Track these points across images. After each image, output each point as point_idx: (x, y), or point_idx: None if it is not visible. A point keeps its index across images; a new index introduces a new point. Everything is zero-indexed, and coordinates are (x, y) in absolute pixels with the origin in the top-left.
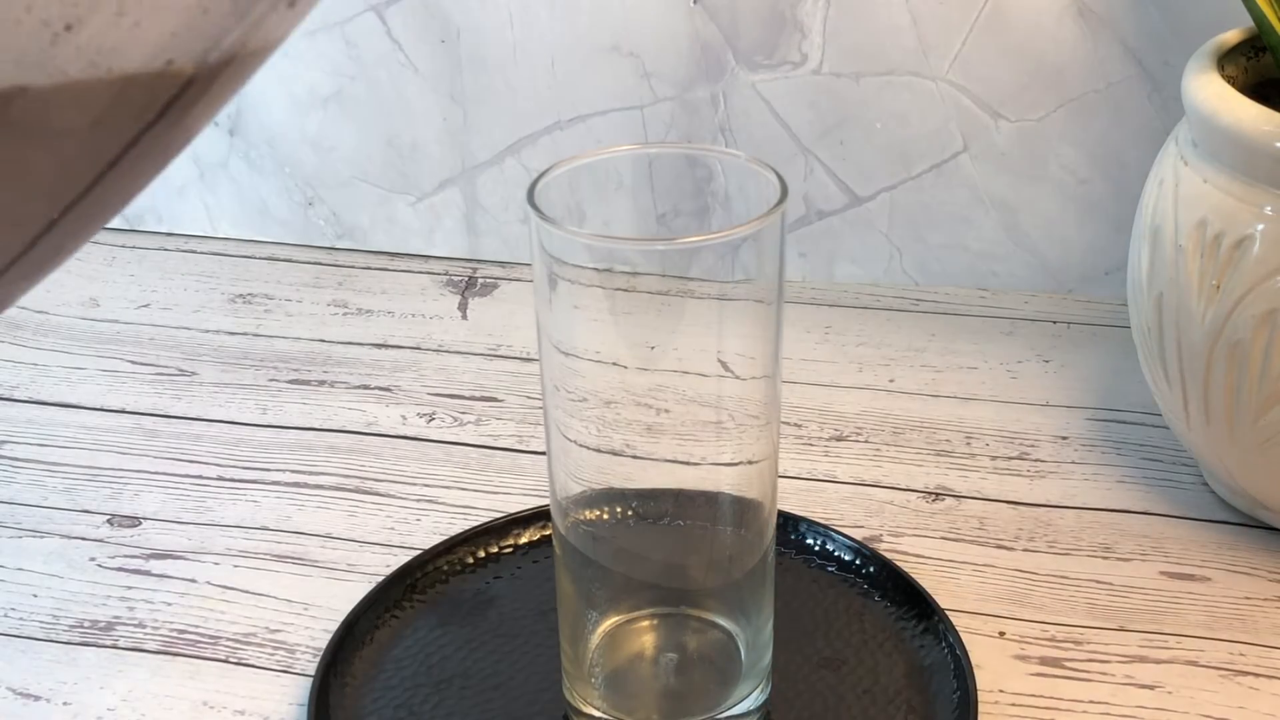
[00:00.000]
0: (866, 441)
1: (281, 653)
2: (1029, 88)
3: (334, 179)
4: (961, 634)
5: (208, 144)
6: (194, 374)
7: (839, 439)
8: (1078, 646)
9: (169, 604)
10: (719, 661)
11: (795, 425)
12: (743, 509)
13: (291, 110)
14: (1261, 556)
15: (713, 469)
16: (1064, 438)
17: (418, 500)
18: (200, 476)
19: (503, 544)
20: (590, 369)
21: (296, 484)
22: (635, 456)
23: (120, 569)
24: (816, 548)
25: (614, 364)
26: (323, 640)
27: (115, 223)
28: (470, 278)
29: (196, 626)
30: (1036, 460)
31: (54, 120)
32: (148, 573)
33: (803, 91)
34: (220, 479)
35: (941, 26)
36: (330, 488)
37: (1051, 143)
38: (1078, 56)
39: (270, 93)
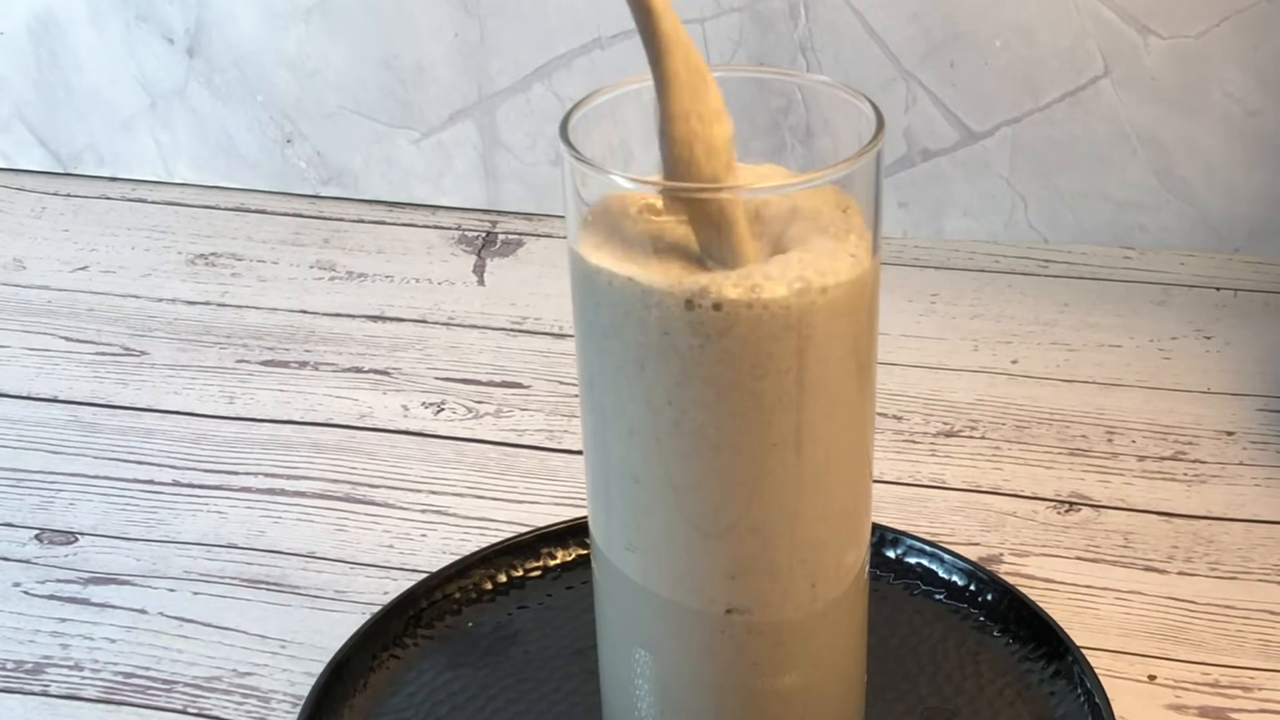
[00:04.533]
0: (983, 438)
1: (253, 701)
2: None
3: (318, 110)
4: (1101, 678)
5: (160, 66)
6: (143, 353)
7: (949, 434)
8: (1247, 694)
9: (112, 641)
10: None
11: (894, 418)
12: None
13: (265, 23)
14: None
15: None
16: (1229, 433)
17: (423, 511)
18: (151, 481)
19: (529, 566)
20: None
21: (271, 490)
22: None
23: (52, 597)
24: (920, 570)
25: None
26: (304, 686)
27: (46, 164)
28: (488, 233)
29: (147, 669)
30: (1195, 461)
31: None
32: (86, 601)
33: (904, 0)
34: (176, 484)
35: None
36: (314, 495)
37: (1214, 65)
38: None
39: (239, 1)
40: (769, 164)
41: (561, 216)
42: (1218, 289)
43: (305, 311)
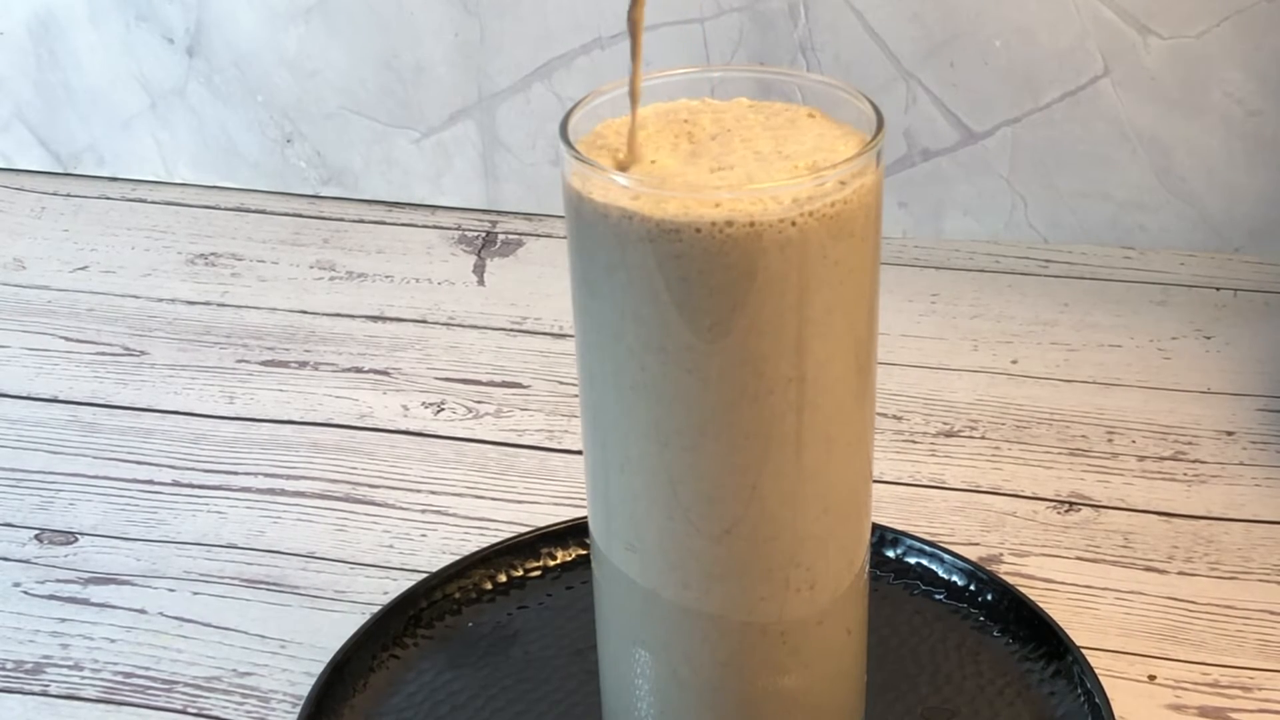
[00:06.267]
0: (983, 438)
1: (253, 701)
2: None
3: (318, 110)
4: (1101, 677)
5: (160, 66)
6: (143, 353)
7: (949, 434)
8: (1246, 694)
9: (112, 641)
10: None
11: (894, 418)
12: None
13: (265, 23)
14: None
15: None
16: (1229, 433)
17: (422, 511)
18: (151, 481)
19: (529, 566)
20: None
21: (271, 490)
22: None
23: (51, 597)
24: (920, 570)
25: None
26: (304, 686)
27: (46, 164)
28: (488, 234)
29: (147, 669)
30: (1195, 461)
31: None
32: (85, 601)
33: (904, 0)
34: (176, 485)
35: None
36: (314, 495)
37: (1214, 65)
38: None
39: (239, 1)
40: (738, 98)
41: (561, 217)
42: (1218, 289)
43: (305, 311)
